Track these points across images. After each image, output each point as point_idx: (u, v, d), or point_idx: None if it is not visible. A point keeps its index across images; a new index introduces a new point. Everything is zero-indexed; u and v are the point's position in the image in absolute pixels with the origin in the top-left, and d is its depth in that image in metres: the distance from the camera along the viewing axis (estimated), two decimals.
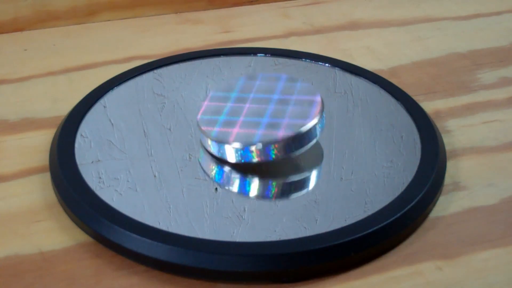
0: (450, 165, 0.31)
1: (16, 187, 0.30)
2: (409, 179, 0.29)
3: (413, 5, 0.46)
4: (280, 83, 0.32)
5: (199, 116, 0.31)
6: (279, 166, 0.30)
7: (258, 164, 0.30)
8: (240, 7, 0.45)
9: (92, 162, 0.30)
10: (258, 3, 0.46)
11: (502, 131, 0.34)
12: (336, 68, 0.37)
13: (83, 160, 0.30)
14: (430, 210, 0.29)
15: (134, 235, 0.26)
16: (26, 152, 0.32)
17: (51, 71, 0.38)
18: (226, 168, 0.30)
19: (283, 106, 0.31)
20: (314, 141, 0.30)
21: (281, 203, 0.29)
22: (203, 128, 0.30)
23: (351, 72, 0.36)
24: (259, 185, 0.30)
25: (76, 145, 0.31)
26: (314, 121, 0.30)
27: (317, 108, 0.30)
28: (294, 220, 0.27)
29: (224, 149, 0.29)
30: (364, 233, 0.26)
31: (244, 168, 0.30)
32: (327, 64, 0.37)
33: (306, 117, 0.30)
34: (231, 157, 0.29)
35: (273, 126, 0.29)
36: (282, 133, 0.29)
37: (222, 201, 0.28)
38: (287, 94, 0.31)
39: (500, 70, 0.38)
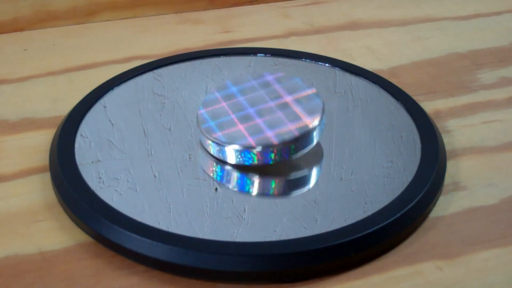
0: (450, 165, 0.31)
1: (16, 187, 0.30)
2: (409, 179, 0.29)
3: (413, 5, 0.46)
4: (281, 84, 0.32)
5: (198, 117, 0.31)
6: (279, 166, 0.30)
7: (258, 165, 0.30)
8: (240, 7, 0.45)
9: (92, 162, 0.30)
10: (258, 3, 0.46)
11: (502, 131, 0.34)
12: (336, 68, 0.37)
13: (83, 160, 0.30)
14: (430, 210, 0.29)
15: (134, 235, 0.26)
16: (26, 152, 0.32)
17: (51, 71, 0.38)
18: (226, 168, 0.30)
19: (284, 107, 0.31)
20: (314, 144, 0.30)
21: (281, 203, 0.29)
22: (203, 128, 0.30)
23: (351, 72, 0.36)
24: (259, 185, 0.30)
25: (76, 145, 0.31)
26: (314, 124, 0.30)
27: (318, 110, 0.30)
28: (294, 220, 0.27)
29: (223, 151, 0.29)
30: (364, 233, 0.26)
31: (244, 168, 0.30)
32: (327, 64, 0.37)
33: (306, 119, 0.30)
34: (231, 159, 0.29)
35: (273, 128, 0.29)
36: (282, 136, 0.29)
37: (222, 201, 0.28)
38: (288, 95, 0.31)
39: (500, 70, 0.38)
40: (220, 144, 0.29)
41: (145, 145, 0.31)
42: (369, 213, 0.27)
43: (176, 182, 0.29)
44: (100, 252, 0.27)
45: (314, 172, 0.31)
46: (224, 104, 0.31)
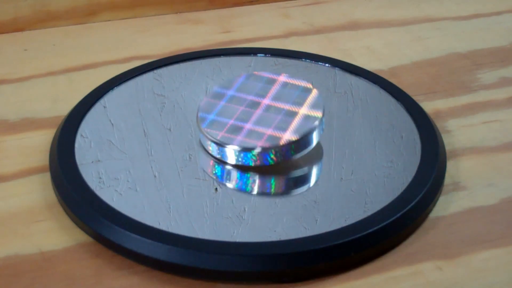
0: (450, 165, 0.31)
1: (16, 187, 0.30)
2: (409, 179, 0.29)
3: (413, 5, 0.46)
4: (282, 84, 0.32)
5: (198, 117, 0.31)
6: (279, 166, 0.30)
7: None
8: (240, 7, 0.45)
9: (92, 162, 0.30)
10: (258, 3, 0.46)
11: (502, 131, 0.34)
12: (336, 68, 0.37)
13: (83, 160, 0.30)
14: (430, 210, 0.29)
15: (134, 235, 0.26)
16: (26, 152, 0.32)
17: (51, 71, 0.38)
18: (226, 168, 0.30)
19: (284, 108, 0.31)
20: (314, 144, 0.30)
21: (281, 203, 0.29)
22: (203, 129, 0.30)
23: (351, 72, 0.36)
24: (259, 185, 0.30)
25: (76, 145, 0.31)
26: (314, 125, 0.30)
27: (318, 112, 0.30)
28: (294, 220, 0.27)
29: (223, 151, 0.29)
30: (364, 233, 0.26)
31: (244, 168, 0.30)
32: (327, 64, 0.37)
33: (306, 120, 0.30)
34: (231, 159, 0.29)
35: (273, 129, 0.29)
36: (282, 137, 0.29)
37: (222, 201, 0.28)
38: (289, 96, 0.31)
39: (500, 70, 0.38)
40: (220, 145, 0.29)
41: (145, 145, 0.31)
42: (369, 213, 0.27)
43: (176, 182, 0.29)
44: (100, 252, 0.27)
45: (314, 172, 0.31)
46: (224, 104, 0.31)
